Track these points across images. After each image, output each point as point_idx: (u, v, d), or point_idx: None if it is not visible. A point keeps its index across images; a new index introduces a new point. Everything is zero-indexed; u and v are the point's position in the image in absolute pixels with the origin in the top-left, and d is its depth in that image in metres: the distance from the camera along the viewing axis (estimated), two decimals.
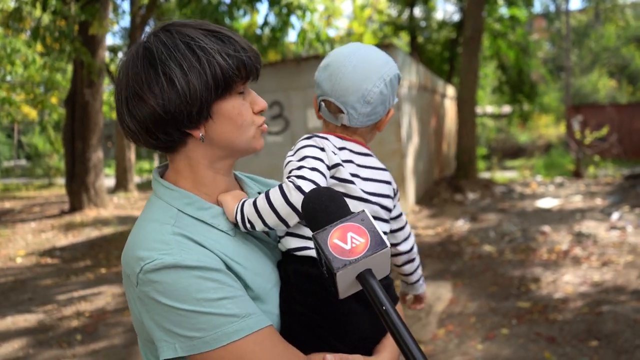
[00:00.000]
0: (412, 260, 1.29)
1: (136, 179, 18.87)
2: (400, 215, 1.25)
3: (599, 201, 9.44)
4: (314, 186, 0.97)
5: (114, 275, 6.36)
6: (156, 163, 27.01)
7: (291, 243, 1.05)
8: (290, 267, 1.05)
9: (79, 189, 11.43)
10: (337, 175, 1.06)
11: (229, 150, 1.03)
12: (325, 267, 0.79)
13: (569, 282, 5.06)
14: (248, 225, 1.01)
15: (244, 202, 1.02)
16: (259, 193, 1.14)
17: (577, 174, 13.81)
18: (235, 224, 1.02)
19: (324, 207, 0.84)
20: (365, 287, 0.78)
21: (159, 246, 0.91)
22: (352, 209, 0.90)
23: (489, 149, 20.27)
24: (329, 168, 1.05)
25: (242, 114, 0.99)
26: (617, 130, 17.00)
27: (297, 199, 0.96)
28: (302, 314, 1.01)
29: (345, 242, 0.79)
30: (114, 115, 20.51)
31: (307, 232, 1.03)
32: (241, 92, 1.00)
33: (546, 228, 7.31)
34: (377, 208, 1.10)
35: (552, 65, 31.29)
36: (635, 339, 3.71)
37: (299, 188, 0.96)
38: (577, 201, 9.64)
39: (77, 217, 10.77)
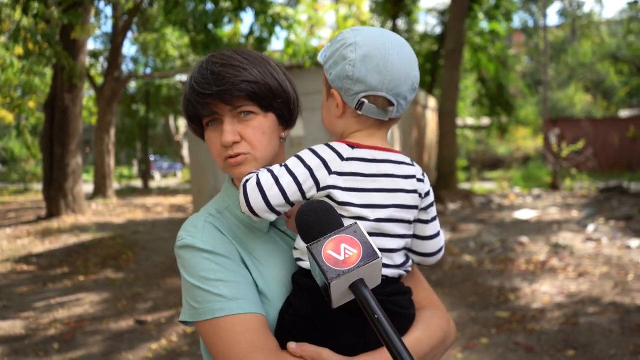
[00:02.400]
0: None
1: (115, 185, 18.63)
2: (432, 220, 1.15)
3: (575, 213, 9.63)
4: (258, 192, 1.01)
5: (92, 283, 6.27)
6: (135, 169, 26.70)
7: (295, 253, 1.09)
8: (294, 274, 1.10)
9: (56, 195, 11.25)
10: (334, 198, 1.01)
11: None
12: (319, 277, 0.82)
13: (546, 292, 5.16)
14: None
15: (262, 171, 1.07)
16: None
17: (554, 186, 14.08)
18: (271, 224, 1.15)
19: (317, 220, 0.88)
20: (358, 296, 0.81)
21: (190, 229, 1.10)
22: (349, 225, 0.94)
23: (469, 161, 20.56)
24: (319, 189, 1.01)
25: (210, 146, 1.13)
26: (592, 144, 17.40)
27: (241, 194, 1.04)
28: (290, 316, 1.05)
29: (339, 253, 0.82)
30: (93, 120, 20.26)
31: (302, 244, 1.05)
32: (208, 125, 1.12)
33: (524, 239, 7.44)
34: (384, 225, 1.04)
35: (530, 80, 31.94)
36: (610, 348, 3.79)
37: (244, 186, 1.03)
38: (554, 213, 9.83)
39: (54, 224, 10.58)
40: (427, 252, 1.17)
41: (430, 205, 1.14)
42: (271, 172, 1.02)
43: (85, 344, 4.35)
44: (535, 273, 5.84)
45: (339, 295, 0.82)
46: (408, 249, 1.15)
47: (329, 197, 1.01)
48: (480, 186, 15.50)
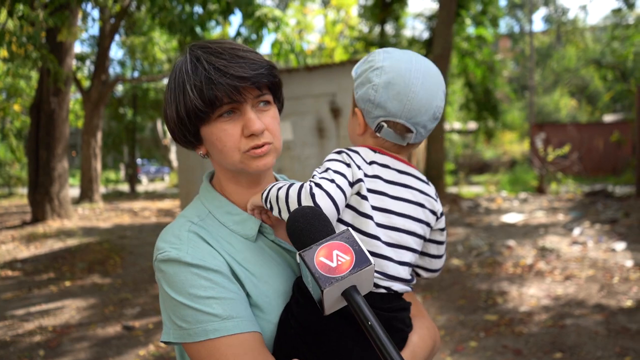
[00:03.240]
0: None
1: (102, 189, 18.46)
2: (443, 242, 1.18)
3: (561, 217, 9.74)
4: (328, 199, 0.96)
5: (78, 288, 6.19)
6: (122, 173, 26.48)
7: (298, 258, 1.06)
8: (297, 280, 1.06)
9: (42, 199, 11.11)
10: (360, 191, 1.02)
11: (229, 169, 1.09)
12: (311, 284, 0.81)
13: (533, 295, 5.20)
14: (268, 205, 1.03)
15: (275, 185, 1.04)
16: None
17: (540, 190, 14.22)
18: (264, 223, 1.09)
19: (309, 226, 0.86)
20: (350, 303, 0.80)
21: (172, 240, 1.01)
22: (368, 230, 0.96)
23: (456, 164, 20.70)
24: (352, 184, 1.01)
25: (220, 139, 1.02)
26: (577, 148, 17.62)
27: (306, 204, 0.96)
28: (292, 327, 1.01)
29: (331, 260, 0.81)
30: (80, 123, 20.08)
31: None
32: (221, 115, 1.01)
33: (511, 242, 7.50)
34: (395, 234, 1.04)
35: (517, 84, 32.28)
36: (597, 350, 3.84)
37: (312, 195, 0.96)
38: (541, 216, 9.93)
39: (40, 228, 10.45)
40: (433, 269, 1.21)
41: (444, 227, 1.17)
42: (319, 185, 0.98)
43: (71, 350, 4.30)
44: (523, 276, 5.89)
45: (332, 302, 0.82)
46: (415, 265, 1.16)
47: (358, 193, 1.02)
48: (467, 190, 15.61)
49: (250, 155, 1.03)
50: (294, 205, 0.98)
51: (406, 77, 1.03)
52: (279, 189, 1.02)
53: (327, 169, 1.02)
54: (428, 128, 1.07)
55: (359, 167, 1.03)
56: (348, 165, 1.03)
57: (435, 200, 1.12)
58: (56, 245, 8.85)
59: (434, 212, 1.11)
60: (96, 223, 11.34)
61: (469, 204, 11.98)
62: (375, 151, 1.07)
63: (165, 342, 0.99)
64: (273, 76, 1.05)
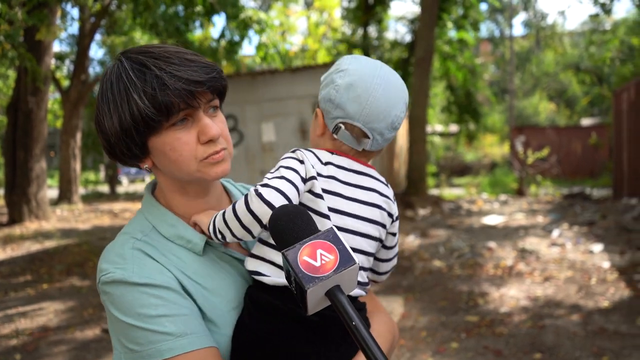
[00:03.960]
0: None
1: (81, 190, 18.17)
2: (394, 247, 1.17)
3: (540, 219, 9.88)
4: (277, 193, 0.95)
5: (56, 291, 6.08)
6: (102, 174, 26.13)
7: (249, 265, 1.03)
8: (248, 290, 1.04)
9: (19, 200, 10.91)
10: (312, 189, 1.01)
11: (179, 180, 1.03)
12: (294, 284, 0.80)
13: (513, 296, 5.26)
14: (219, 236, 0.99)
15: (217, 214, 1.01)
16: None
17: (520, 192, 14.42)
18: (212, 240, 1.03)
19: (291, 225, 0.84)
20: (334, 303, 0.79)
21: (116, 259, 0.96)
22: (320, 227, 0.91)
23: (438, 167, 20.87)
24: (305, 180, 1.00)
25: (175, 149, 0.96)
26: (556, 152, 17.91)
27: (257, 207, 0.94)
28: (245, 341, 1.00)
29: (315, 259, 0.79)
30: (58, 123, 19.76)
31: (268, 254, 1.01)
32: (174, 124, 0.95)
33: (492, 244, 7.58)
34: (349, 237, 1.02)
35: (497, 88, 32.71)
36: (575, 351, 3.90)
37: (259, 195, 0.94)
38: (520, 218, 10.06)
39: (17, 230, 10.25)
40: (380, 272, 1.20)
41: (396, 232, 1.16)
42: (265, 185, 0.97)
43: (49, 354, 4.22)
44: (503, 277, 5.96)
45: (315, 302, 0.81)
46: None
47: (310, 191, 1.01)
48: (449, 192, 15.75)
49: (209, 162, 0.98)
50: (244, 215, 0.95)
51: (368, 81, 1.03)
52: (224, 213, 0.99)
53: (278, 167, 1.01)
54: (385, 136, 1.06)
55: (312, 166, 1.01)
56: (301, 161, 1.02)
57: (393, 203, 1.11)
58: (34, 247, 8.68)
59: (390, 215, 1.10)
60: (75, 224, 11.16)
61: (450, 206, 12.08)
62: (332, 153, 1.06)
63: None
64: (224, 80, 1.01)
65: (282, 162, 1.03)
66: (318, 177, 1.02)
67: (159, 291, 0.93)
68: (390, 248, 1.17)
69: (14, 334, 4.69)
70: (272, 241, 1.01)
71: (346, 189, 1.04)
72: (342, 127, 1.05)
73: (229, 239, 0.99)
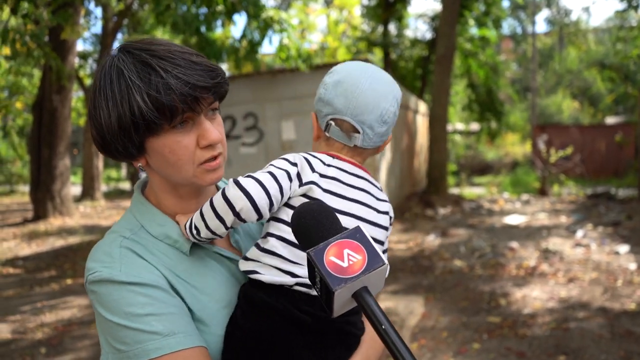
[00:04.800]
0: None
1: (103, 187, 18.46)
2: (385, 251, 1.16)
3: (563, 219, 9.71)
4: (255, 183, 0.94)
5: (79, 286, 6.18)
6: (124, 172, 26.51)
7: (243, 266, 1.03)
8: (242, 288, 1.03)
9: (44, 197, 11.12)
10: (309, 194, 1.00)
11: (172, 181, 1.02)
12: (319, 285, 0.77)
13: (537, 297, 5.18)
14: (194, 232, 0.98)
15: (194, 214, 1.01)
16: None
17: (542, 192, 14.18)
18: (193, 241, 1.02)
19: (316, 223, 0.81)
20: (362, 305, 0.76)
21: (103, 258, 0.94)
22: None
23: (458, 166, 20.66)
24: (295, 180, 1.00)
25: (174, 152, 0.94)
26: (580, 150, 17.58)
27: (232, 192, 0.94)
28: (238, 339, 0.98)
29: (342, 259, 0.76)
30: (81, 121, 20.08)
31: (264, 259, 1.00)
32: (175, 126, 0.93)
33: (514, 244, 7.47)
34: None
35: (519, 86, 32.25)
36: (601, 354, 3.81)
37: (236, 183, 0.94)
38: (543, 218, 9.90)
39: (42, 226, 10.45)
40: None
41: (385, 237, 1.16)
42: (247, 175, 0.97)
43: (73, 348, 4.29)
44: (526, 278, 5.87)
45: (341, 304, 0.78)
46: None
47: (305, 195, 1.00)
48: (469, 191, 15.57)
49: (205, 169, 0.97)
50: (219, 203, 0.95)
51: (355, 77, 1.05)
52: (201, 209, 0.98)
53: (268, 165, 1.02)
54: (376, 131, 1.06)
55: (313, 170, 1.01)
56: (294, 164, 1.01)
57: (390, 208, 1.12)
58: (58, 242, 8.84)
59: (390, 218, 1.11)
60: (98, 221, 11.34)
61: (471, 205, 11.95)
62: (333, 157, 1.06)
63: None
64: (227, 84, 1.00)
65: (274, 162, 1.03)
66: (321, 178, 1.02)
67: (147, 290, 0.92)
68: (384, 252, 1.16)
69: (39, 328, 4.78)
70: (268, 246, 1.00)
71: (350, 191, 1.04)
72: (332, 123, 1.07)
73: (203, 233, 0.98)
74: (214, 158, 0.97)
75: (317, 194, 0.99)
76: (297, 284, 0.97)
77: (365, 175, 1.10)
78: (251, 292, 1.00)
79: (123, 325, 0.89)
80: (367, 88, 1.05)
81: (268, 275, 0.98)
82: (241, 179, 0.95)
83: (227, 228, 0.97)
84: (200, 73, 0.92)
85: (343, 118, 1.06)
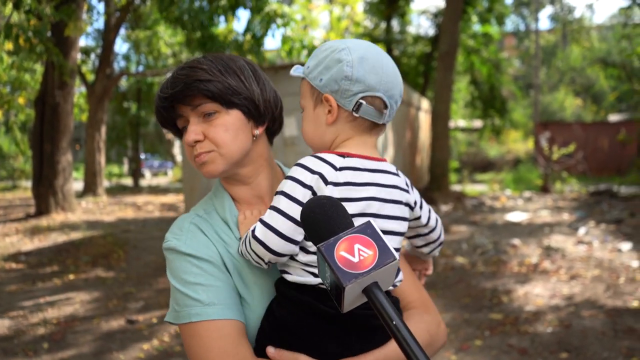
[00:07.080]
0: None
1: (105, 183, 18.48)
2: (427, 223, 1.19)
3: (566, 216, 9.69)
4: (271, 233, 0.98)
5: (82, 282, 6.19)
6: (126, 167, 26.52)
7: (278, 264, 1.08)
8: (277, 282, 1.09)
9: (46, 192, 11.13)
10: None
11: None
12: (329, 280, 0.77)
13: (539, 294, 5.17)
14: (246, 257, 1.08)
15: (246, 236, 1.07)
16: None
17: (544, 189, 14.16)
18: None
19: (326, 218, 0.81)
20: (373, 301, 0.75)
21: (176, 230, 1.11)
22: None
23: (460, 163, 20.64)
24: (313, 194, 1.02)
25: (185, 150, 1.13)
26: (582, 148, 17.54)
27: (256, 248, 1.00)
28: (271, 324, 1.06)
29: (353, 254, 0.75)
30: (84, 117, 20.07)
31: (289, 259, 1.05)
32: (182, 129, 1.13)
33: (516, 241, 7.47)
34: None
35: (522, 83, 32.15)
36: (603, 351, 3.81)
37: (255, 237, 1.00)
38: (545, 216, 9.89)
39: (44, 221, 10.46)
40: (433, 241, 1.25)
41: (421, 214, 1.16)
42: (262, 221, 1.01)
43: (75, 344, 4.29)
44: (528, 275, 5.86)
45: (351, 299, 0.77)
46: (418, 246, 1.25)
47: None
48: (471, 188, 15.56)
49: (197, 163, 1.10)
50: (252, 254, 1.03)
51: (373, 52, 1.03)
52: (249, 245, 1.04)
53: (281, 192, 1.00)
54: (398, 104, 1.07)
55: (326, 183, 0.98)
56: (308, 187, 0.99)
57: (409, 192, 1.09)
58: (60, 238, 8.85)
59: (408, 205, 1.09)
60: (100, 217, 11.35)
61: (473, 202, 11.94)
62: (344, 156, 1.02)
63: (169, 322, 1.08)
64: (195, 89, 1.05)
65: (285, 187, 1.01)
66: (335, 188, 0.99)
67: (201, 262, 1.05)
68: (427, 224, 1.20)
69: (42, 323, 4.79)
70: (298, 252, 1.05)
71: (363, 191, 1.01)
72: (364, 102, 1.01)
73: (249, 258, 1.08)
74: (198, 155, 1.09)
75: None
76: (320, 283, 1.00)
77: (380, 165, 1.06)
78: (282, 286, 1.06)
79: (178, 289, 1.04)
80: (388, 62, 1.04)
81: (294, 275, 1.03)
82: (258, 230, 1.00)
83: (267, 265, 1.05)
84: (167, 85, 1.08)
85: (376, 94, 1.02)
